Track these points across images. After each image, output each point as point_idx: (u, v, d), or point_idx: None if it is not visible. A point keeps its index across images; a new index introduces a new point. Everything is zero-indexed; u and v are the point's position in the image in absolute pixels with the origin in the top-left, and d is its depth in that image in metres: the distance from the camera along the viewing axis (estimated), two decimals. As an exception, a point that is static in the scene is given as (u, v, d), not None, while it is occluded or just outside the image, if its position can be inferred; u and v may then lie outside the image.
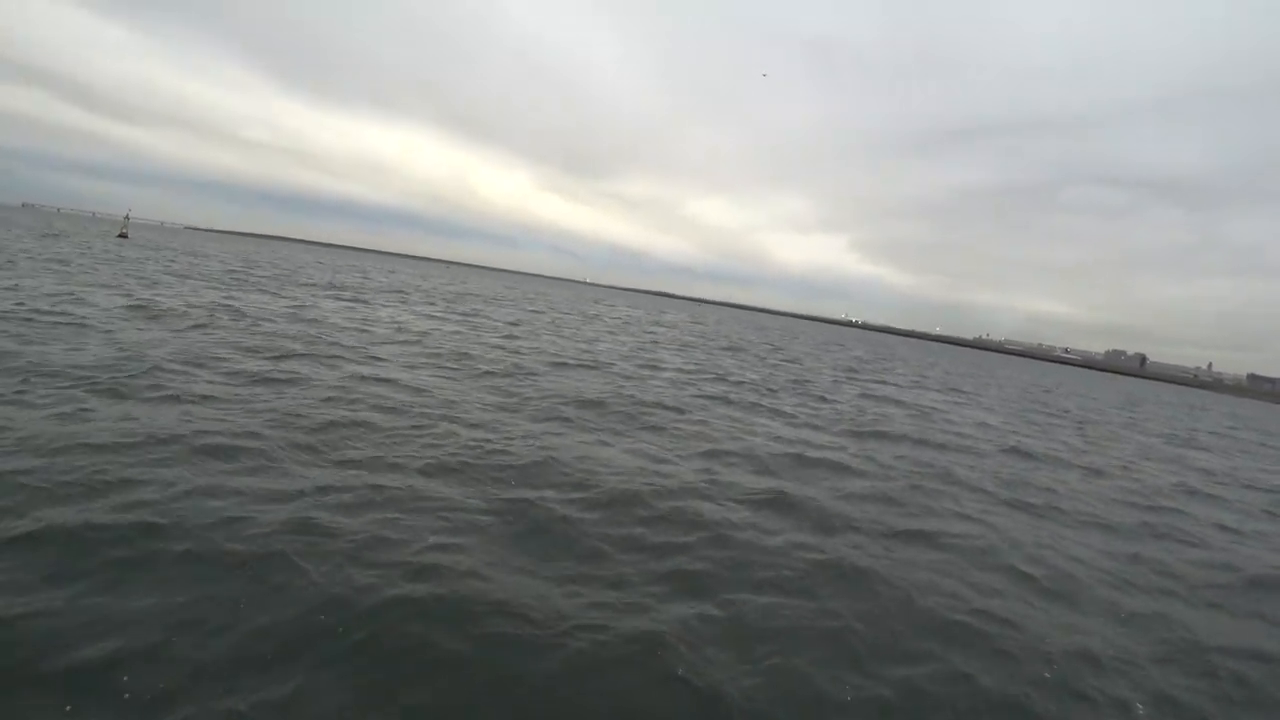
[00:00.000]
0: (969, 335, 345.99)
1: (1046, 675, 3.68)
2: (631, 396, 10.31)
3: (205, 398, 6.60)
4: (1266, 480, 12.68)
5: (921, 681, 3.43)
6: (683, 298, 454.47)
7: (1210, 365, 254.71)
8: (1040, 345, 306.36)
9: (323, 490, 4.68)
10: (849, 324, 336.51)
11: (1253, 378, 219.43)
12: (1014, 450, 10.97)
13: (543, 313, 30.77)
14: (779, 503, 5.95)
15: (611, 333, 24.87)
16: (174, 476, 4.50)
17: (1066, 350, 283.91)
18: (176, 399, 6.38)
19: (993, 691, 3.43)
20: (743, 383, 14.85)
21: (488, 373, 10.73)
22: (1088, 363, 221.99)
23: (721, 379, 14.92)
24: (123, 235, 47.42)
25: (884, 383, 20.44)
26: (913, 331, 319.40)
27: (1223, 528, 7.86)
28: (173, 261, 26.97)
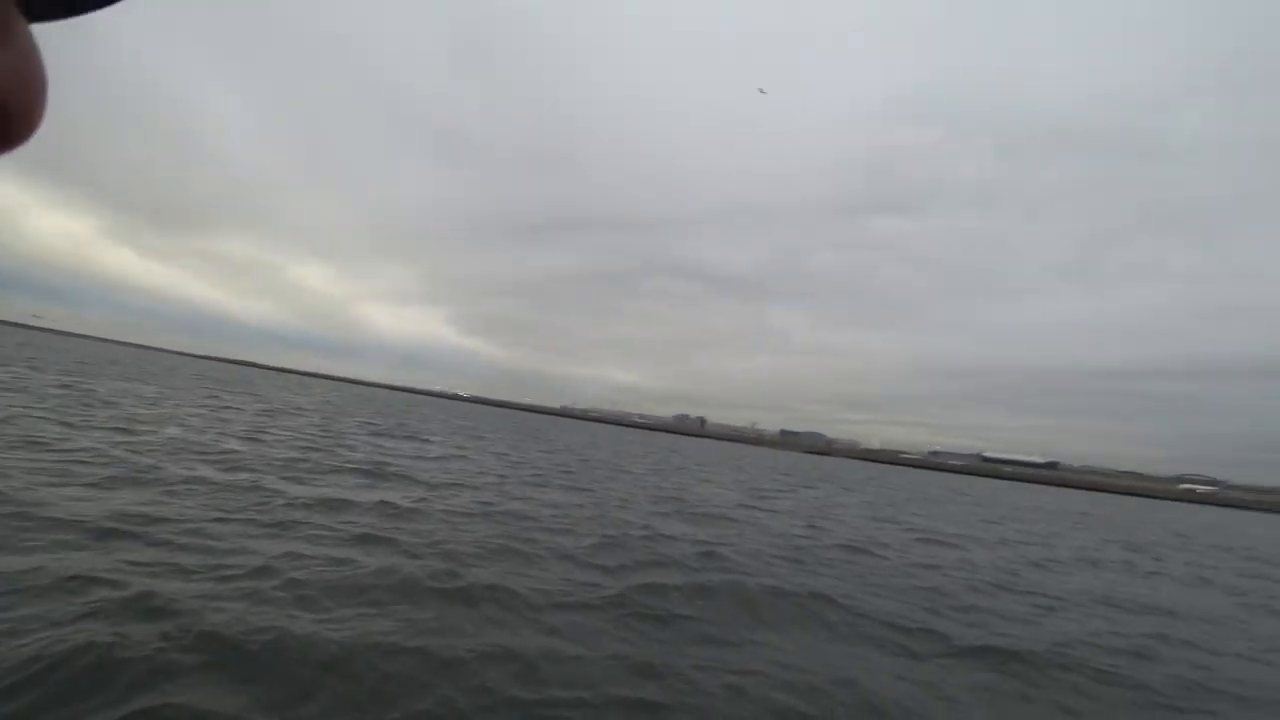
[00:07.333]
0: (556, 404, 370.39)
1: None
2: None
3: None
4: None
5: None
6: (271, 368, 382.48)
7: (755, 424, 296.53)
8: (619, 411, 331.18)
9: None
10: (454, 397, 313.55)
11: (784, 432, 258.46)
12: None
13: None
14: None
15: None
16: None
17: (641, 415, 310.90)
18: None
19: None
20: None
21: None
22: (658, 426, 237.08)
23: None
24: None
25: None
26: (505, 401, 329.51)
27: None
28: None
